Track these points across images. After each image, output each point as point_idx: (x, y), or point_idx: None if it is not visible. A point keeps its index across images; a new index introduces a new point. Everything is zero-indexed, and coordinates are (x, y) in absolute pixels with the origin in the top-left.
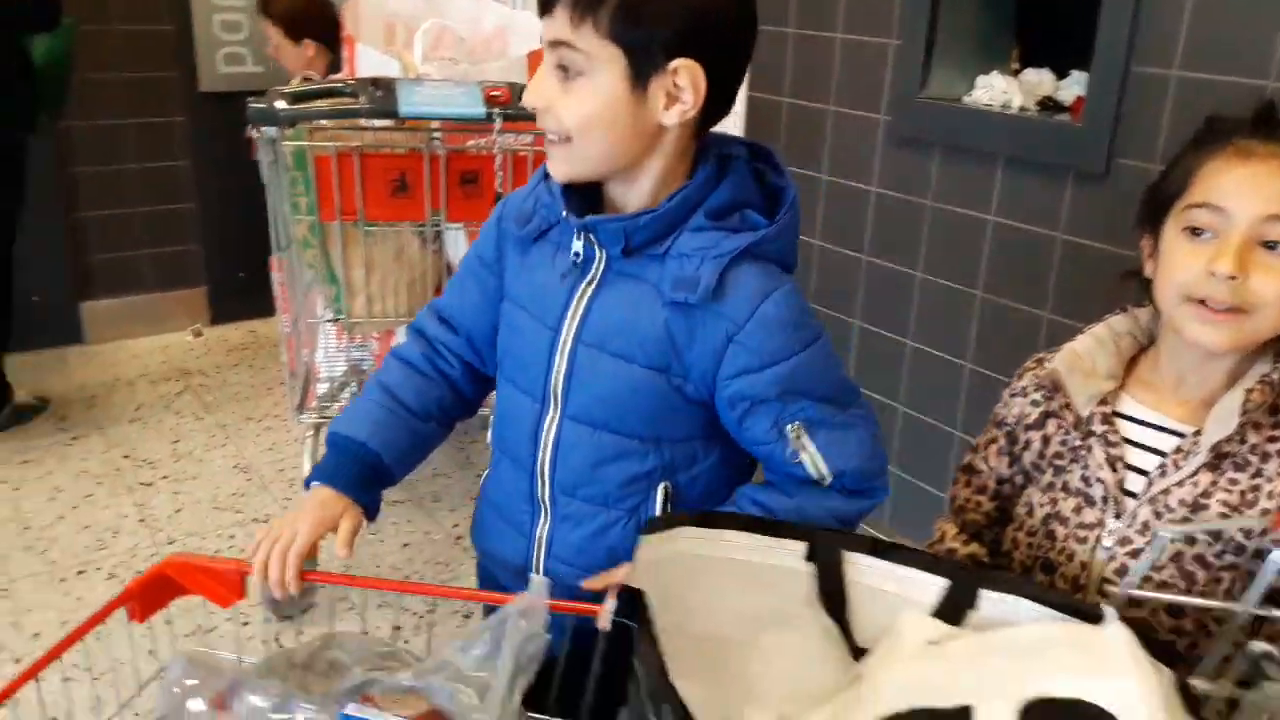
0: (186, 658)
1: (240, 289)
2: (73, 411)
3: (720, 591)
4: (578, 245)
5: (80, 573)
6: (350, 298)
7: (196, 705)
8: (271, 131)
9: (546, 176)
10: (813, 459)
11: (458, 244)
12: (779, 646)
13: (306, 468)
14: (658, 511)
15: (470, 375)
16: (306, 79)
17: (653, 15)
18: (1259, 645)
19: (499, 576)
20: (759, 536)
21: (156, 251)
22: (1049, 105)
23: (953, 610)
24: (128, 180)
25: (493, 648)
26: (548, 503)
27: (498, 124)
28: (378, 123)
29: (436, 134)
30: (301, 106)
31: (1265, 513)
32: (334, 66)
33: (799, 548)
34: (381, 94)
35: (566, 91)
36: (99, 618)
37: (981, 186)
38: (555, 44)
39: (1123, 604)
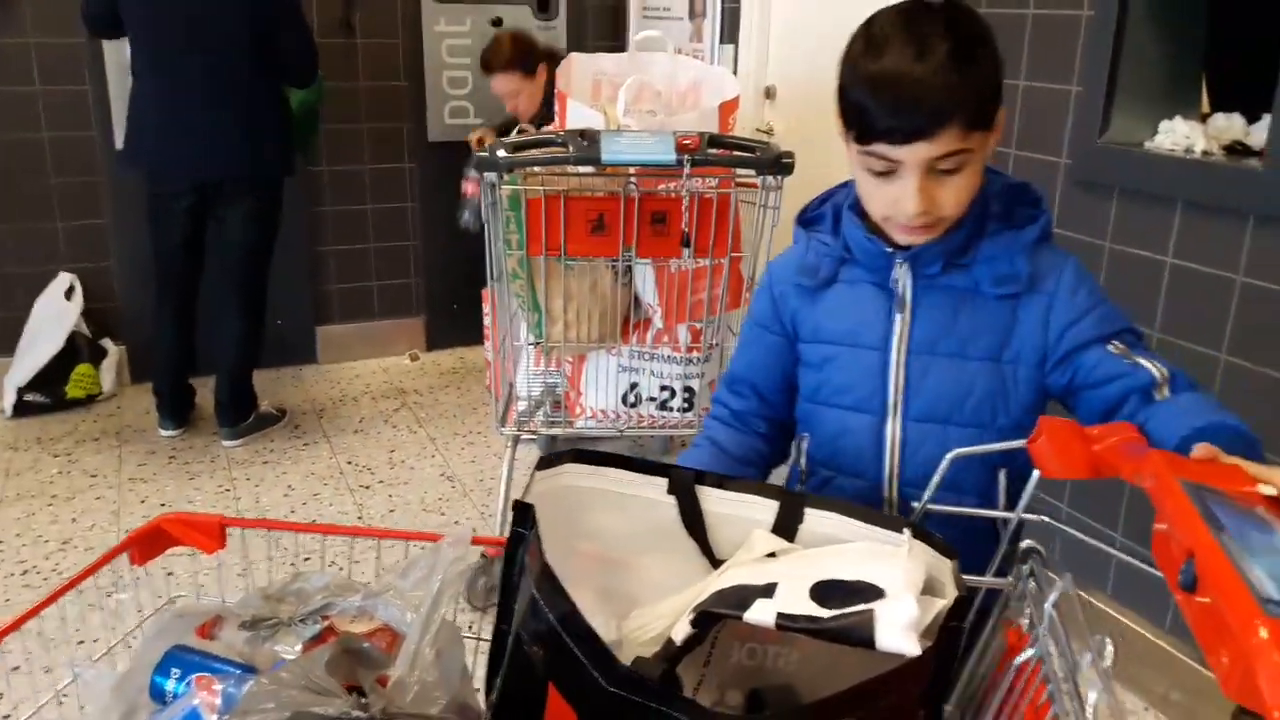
0: (179, 600)
1: (453, 319)
2: (305, 421)
3: (602, 517)
4: (898, 274)
5: (306, 559)
6: (550, 324)
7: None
8: (492, 177)
9: (807, 231)
10: (1151, 363)
11: (645, 278)
12: (654, 564)
13: (504, 476)
14: (1002, 496)
15: (776, 428)
16: (522, 130)
17: (992, 93)
18: (1027, 542)
19: None
20: (629, 473)
21: (383, 284)
22: (1239, 150)
23: (787, 525)
24: (363, 220)
25: (427, 572)
26: (896, 502)
27: (686, 169)
28: (582, 169)
29: (632, 179)
30: (519, 155)
31: None
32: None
33: (661, 483)
34: (587, 144)
35: (946, 187)
36: (107, 558)
37: (1160, 229)
38: (942, 158)
39: (921, 516)
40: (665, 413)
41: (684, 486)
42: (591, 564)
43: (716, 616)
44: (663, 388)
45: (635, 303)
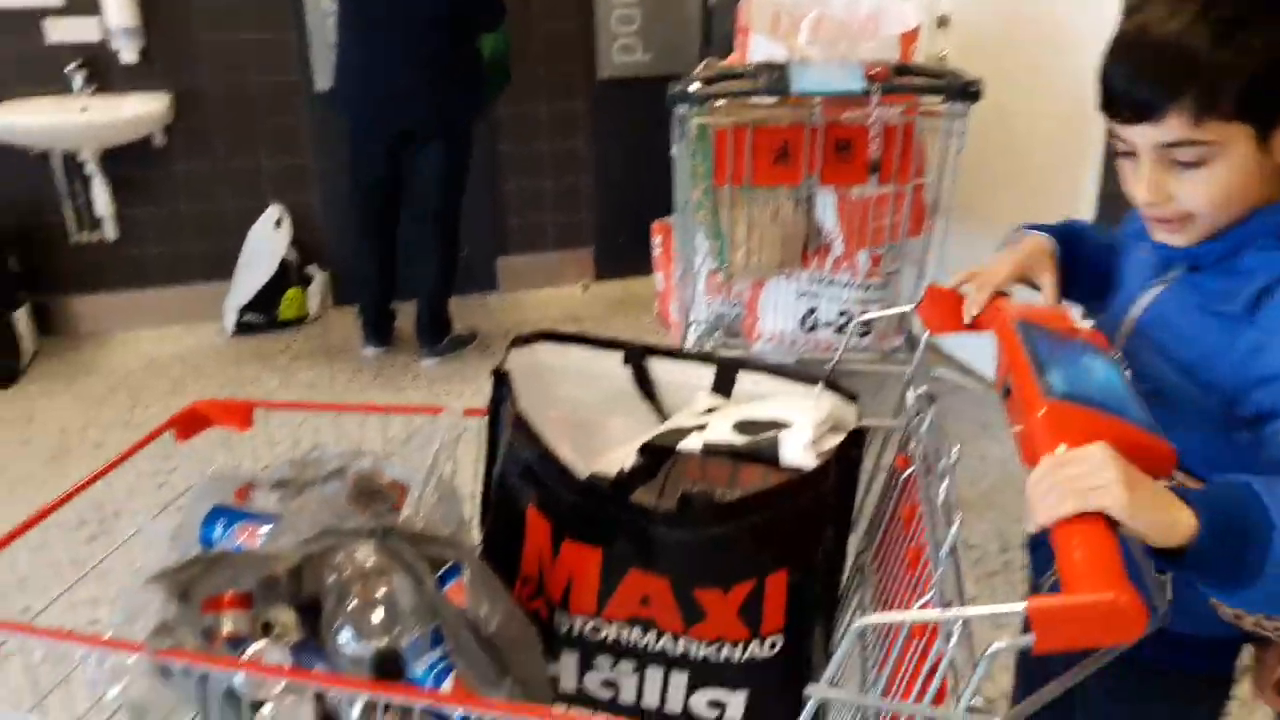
0: (217, 470)
1: (620, 252)
2: (494, 343)
3: (570, 388)
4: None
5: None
6: (732, 251)
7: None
8: (682, 110)
9: None
10: None
11: (826, 205)
12: (615, 425)
13: None
14: None
15: None
16: (709, 64)
17: (1268, 82)
18: (921, 389)
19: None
20: (591, 348)
21: (557, 218)
22: None
23: (724, 385)
24: (539, 158)
25: (426, 440)
26: None
27: (875, 97)
28: (766, 100)
29: (817, 108)
30: (711, 88)
31: None
32: None
33: (617, 355)
34: (776, 75)
35: (1184, 181)
36: (153, 436)
37: None
38: (1168, 145)
39: (830, 371)
40: (842, 337)
41: (637, 358)
42: (563, 427)
43: (656, 447)
44: (841, 313)
45: (817, 232)
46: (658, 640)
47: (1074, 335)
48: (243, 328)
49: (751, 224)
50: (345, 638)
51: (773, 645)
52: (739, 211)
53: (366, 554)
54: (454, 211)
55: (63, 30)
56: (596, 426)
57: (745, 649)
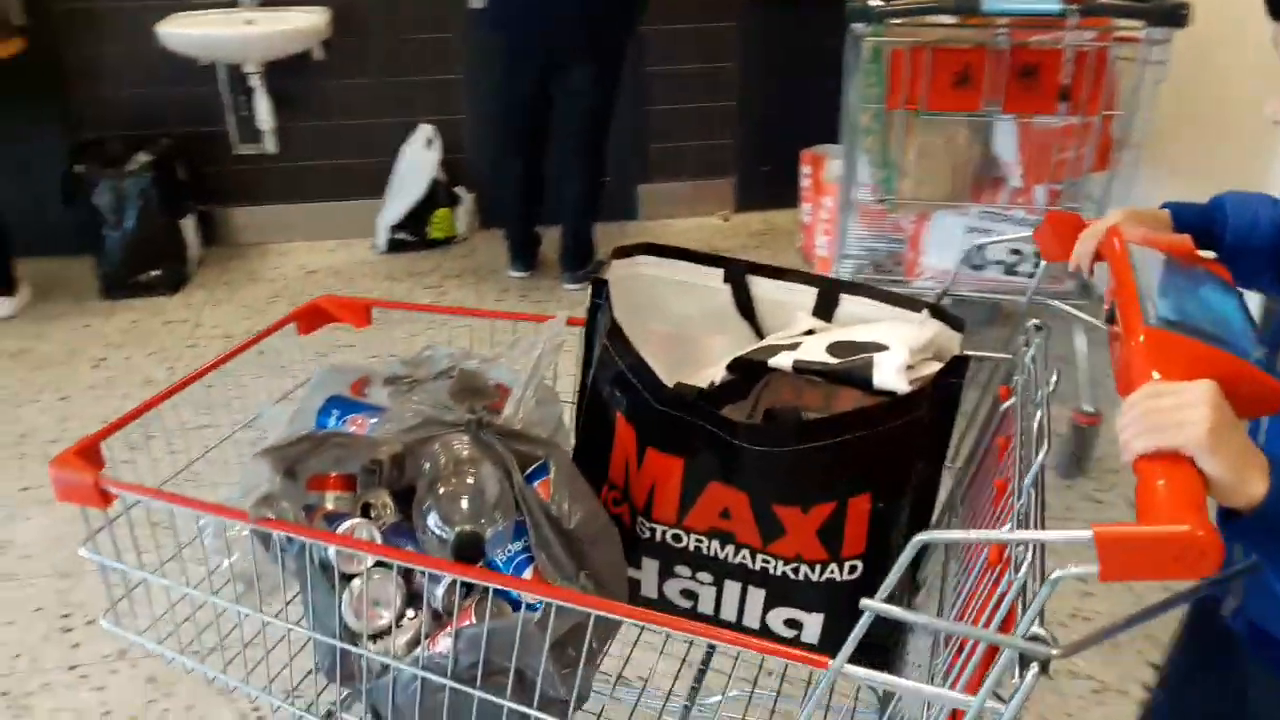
0: (333, 365)
1: (762, 182)
2: None
3: (670, 303)
4: None
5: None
6: (901, 179)
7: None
8: (860, 28)
9: None
10: None
11: (1005, 134)
12: (713, 342)
13: None
14: None
15: None
16: None
17: None
18: (1033, 321)
19: None
20: (692, 264)
21: (699, 144)
22: None
23: (825, 308)
24: (684, 80)
25: (529, 346)
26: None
27: (1073, 20)
28: (949, 19)
29: (1002, 30)
30: (892, 5)
31: None
32: None
33: (718, 273)
34: None
35: None
36: (276, 327)
37: None
38: None
39: (939, 297)
40: (1010, 277)
41: (737, 276)
42: (660, 341)
43: (745, 362)
44: (1013, 251)
45: (994, 163)
46: (736, 554)
47: (1195, 264)
48: (394, 245)
49: (922, 151)
50: (432, 521)
51: (852, 570)
52: (910, 138)
53: (461, 444)
54: (603, 136)
55: None
56: (693, 342)
57: (823, 571)
